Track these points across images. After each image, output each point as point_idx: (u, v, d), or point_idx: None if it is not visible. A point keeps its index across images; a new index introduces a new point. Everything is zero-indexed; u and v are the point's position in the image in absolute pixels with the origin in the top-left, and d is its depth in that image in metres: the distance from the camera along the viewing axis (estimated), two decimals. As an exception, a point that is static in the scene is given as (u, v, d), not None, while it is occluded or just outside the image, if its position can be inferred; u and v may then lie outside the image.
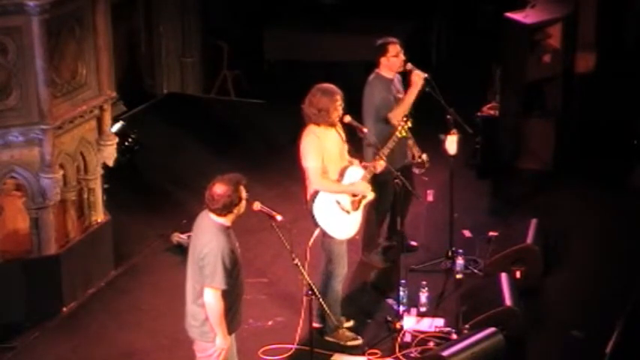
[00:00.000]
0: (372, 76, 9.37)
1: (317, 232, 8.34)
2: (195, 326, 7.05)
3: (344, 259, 8.51)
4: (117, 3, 10.79)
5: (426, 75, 9.28)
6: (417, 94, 9.23)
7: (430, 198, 10.55)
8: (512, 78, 11.49)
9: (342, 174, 8.40)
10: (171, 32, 14.29)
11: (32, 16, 8.31)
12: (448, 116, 9.38)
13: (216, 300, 6.87)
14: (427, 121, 9.55)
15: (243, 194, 6.95)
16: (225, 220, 6.95)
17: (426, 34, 15.22)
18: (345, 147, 8.50)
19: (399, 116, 9.14)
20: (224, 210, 6.90)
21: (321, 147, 8.25)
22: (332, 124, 8.33)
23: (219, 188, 6.89)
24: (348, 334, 8.61)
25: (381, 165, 8.57)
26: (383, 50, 9.29)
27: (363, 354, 8.42)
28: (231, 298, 6.98)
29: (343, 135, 8.49)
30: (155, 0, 14.10)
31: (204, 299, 6.90)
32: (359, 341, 8.58)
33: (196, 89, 14.69)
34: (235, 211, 6.94)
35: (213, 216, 6.94)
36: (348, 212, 8.41)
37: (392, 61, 9.28)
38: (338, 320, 8.54)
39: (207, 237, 6.91)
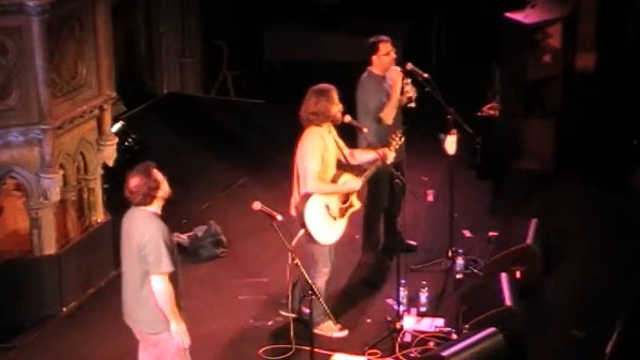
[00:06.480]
0: (364, 75, 9.38)
1: (301, 232, 8.28)
2: (143, 320, 6.97)
3: (326, 257, 8.47)
4: (117, 3, 10.79)
5: (425, 75, 9.30)
6: (400, 89, 9.26)
7: (430, 198, 10.56)
8: (512, 78, 11.49)
9: (334, 181, 8.38)
10: (171, 32, 14.30)
11: (32, 16, 8.30)
12: (448, 116, 9.39)
13: (165, 285, 6.82)
14: (427, 121, 9.55)
15: (159, 177, 6.93)
16: (155, 208, 6.92)
17: (425, 35, 15.22)
18: (342, 152, 8.49)
19: (390, 115, 9.17)
20: (147, 198, 6.88)
21: (323, 149, 8.26)
22: (335, 120, 8.34)
23: (132, 181, 6.88)
24: (333, 325, 8.55)
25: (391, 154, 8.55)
26: (374, 48, 9.31)
27: (363, 354, 8.42)
28: (176, 280, 6.92)
29: (341, 143, 8.50)
30: (155, 0, 14.10)
31: (153, 287, 6.83)
32: (344, 332, 8.55)
33: (196, 89, 14.70)
34: (159, 195, 6.92)
35: (141, 208, 6.92)
36: (334, 219, 8.39)
37: (383, 59, 9.29)
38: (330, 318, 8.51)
39: (143, 226, 6.87)
